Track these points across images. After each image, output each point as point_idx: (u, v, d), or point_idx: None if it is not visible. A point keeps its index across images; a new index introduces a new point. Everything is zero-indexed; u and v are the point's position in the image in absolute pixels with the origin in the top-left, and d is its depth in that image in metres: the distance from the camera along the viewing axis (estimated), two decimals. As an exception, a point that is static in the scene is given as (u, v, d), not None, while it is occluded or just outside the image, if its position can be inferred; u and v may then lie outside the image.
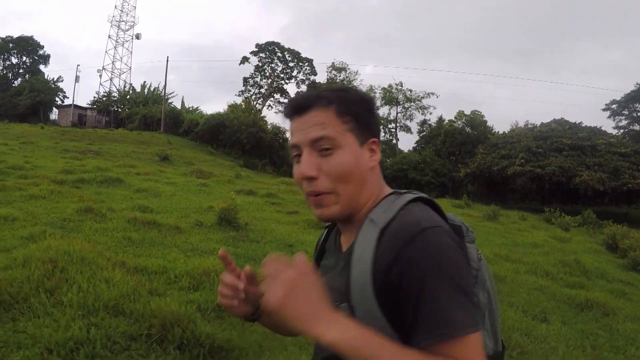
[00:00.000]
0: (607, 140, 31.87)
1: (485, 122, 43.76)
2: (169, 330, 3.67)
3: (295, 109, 1.08)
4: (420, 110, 59.17)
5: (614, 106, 50.43)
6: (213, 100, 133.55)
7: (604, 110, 51.11)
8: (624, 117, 50.80)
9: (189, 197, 11.74)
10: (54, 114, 51.94)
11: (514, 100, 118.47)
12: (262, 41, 60.74)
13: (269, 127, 41.42)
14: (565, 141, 31.75)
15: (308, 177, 1.03)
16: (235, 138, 38.87)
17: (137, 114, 45.63)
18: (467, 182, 38.41)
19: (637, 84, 46.93)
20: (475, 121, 42.90)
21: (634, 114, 49.86)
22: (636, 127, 49.55)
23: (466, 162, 38.48)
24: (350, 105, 1.06)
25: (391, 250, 0.93)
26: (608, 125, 56.15)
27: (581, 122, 37.76)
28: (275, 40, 61.31)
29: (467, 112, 58.71)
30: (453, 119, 58.85)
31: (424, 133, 57.07)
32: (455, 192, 40.20)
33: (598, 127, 36.95)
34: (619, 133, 45.53)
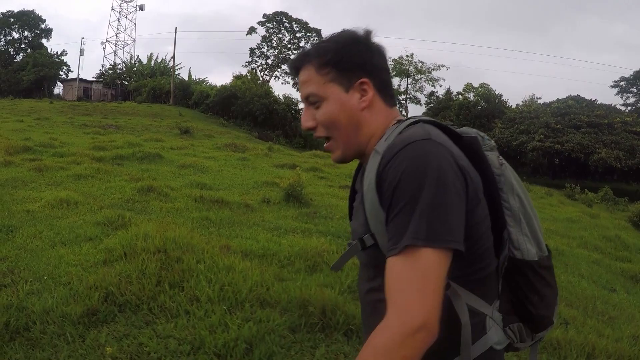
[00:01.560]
0: (623, 119, 32.14)
1: (500, 96, 43.09)
2: (330, 317, 3.35)
3: (292, 71, 1.20)
4: (430, 82, 58.35)
5: (622, 83, 50.57)
6: (216, 71, 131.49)
7: (612, 87, 51.37)
8: (631, 95, 50.91)
9: (237, 172, 11.24)
10: (59, 89, 50.94)
11: (516, 73, 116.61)
12: (262, 11, 59.38)
13: (280, 97, 40.55)
14: (583, 118, 32.06)
15: (306, 128, 1.17)
16: (248, 109, 38.11)
17: (145, 86, 44.67)
18: None
19: None
20: (489, 95, 42.15)
21: None
22: None
23: None
24: (330, 56, 1.12)
25: (383, 167, 0.99)
26: (616, 102, 55.91)
27: (596, 100, 38.29)
28: (280, 10, 59.69)
29: (475, 84, 58.48)
30: (461, 91, 58.78)
31: (432, 105, 56.46)
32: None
33: (612, 105, 36.89)
34: (627, 110, 45.44)
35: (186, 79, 47.39)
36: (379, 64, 1.16)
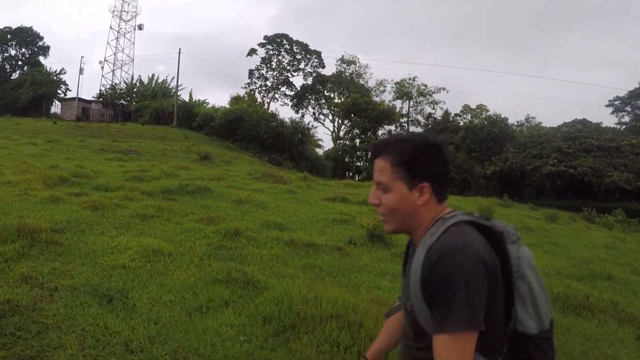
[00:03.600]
0: (630, 142, 32.50)
1: (506, 119, 43.20)
2: None
3: (372, 154, 1.49)
4: (431, 105, 58.48)
5: (617, 102, 51.48)
6: (210, 92, 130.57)
7: (607, 106, 52.23)
8: (626, 113, 51.78)
9: (297, 208, 10.47)
10: (56, 107, 49.59)
11: (505, 92, 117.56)
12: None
13: (287, 121, 39.88)
14: (593, 142, 32.43)
15: (372, 204, 1.47)
16: (255, 133, 37.35)
17: (148, 107, 43.67)
18: (495, 180, 38.33)
19: None
20: (495, 119, 42.28)
21: (637, 111, 50.71)
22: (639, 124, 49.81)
23: (491, 159, 38.29)
24: (405, 156, 1.39)
25: (428, 265, 1.30)
26: (610, 121, 56.84)
27: (601, 122, 39.42)
28: (274, 30, 59.47)
29: (472, 106, 58.89)
30: (459, 112, 59.04)
31: (429, 126, 56.50)
32: (478, 188, 39.93)
33: (618, 127, 37.33)
34: (622, 128, 46.24)
35: (187, 100, 46.45)
36: (441, 171, 1.42)
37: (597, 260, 9.24)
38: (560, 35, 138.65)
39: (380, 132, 43.76)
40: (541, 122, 50.44)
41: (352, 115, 42.46)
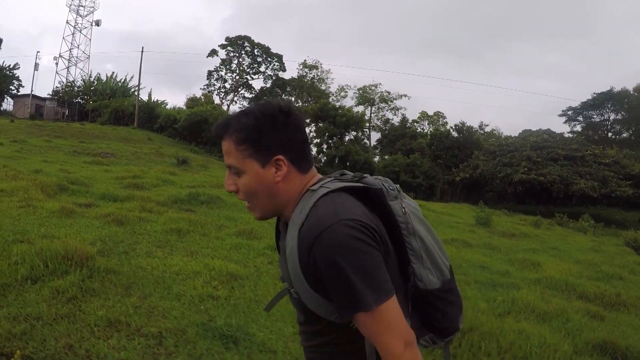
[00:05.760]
0: (593, 152, 34.17)
1: (471, 127, 44.24)
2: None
3: (215, 136, 1.28)
4: (392, 111, 59.03)
5: (569, 112, 53.97)
6: (169, 94, 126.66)
7: (560, 115, 54.71)
8: (577, 123, 54.60)
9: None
10: (8, 104, 46.21)
11: (457, 101, 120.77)
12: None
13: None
14: (560, 152, 33.86)
15: (230, 191, 1.30)
16: (220, 136, 36.12)
17: (107, 107, 41.41)
18: (459, 186, 39.20)
19: (593, 93, 51.00)
20: (462, 127, 43.22)
21: (589, 120, 53.83)
22: (590, 133, 52.74)
23: (458, 166, 39.08)
24: (248, 132, 1.22)
25: (305, 250, 1.15)
26: (563, 130, 59.78)
27: (563, 133, 42.24)
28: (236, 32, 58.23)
29: (430, 112, 60.16)
30: (417, 119, 59.98)
31: (386, 132, 57.02)
32: (442, 194, 40.63)
33: (571, 136, 39.42)
34: (573, 137, 48.30)
35: (146, 101, 44.47)
36: (295, 137, 1.25)
37: (598, 262, 9.89)
38: (509, 45, 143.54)
39: (347, 138, 43.44)
40: (495, 130, 52.59)
41: (319, 121, 41.89)
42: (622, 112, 50.58)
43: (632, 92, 49.46)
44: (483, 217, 15.85)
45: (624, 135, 52.53)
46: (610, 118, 52.54)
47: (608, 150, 35.65)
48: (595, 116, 53.24)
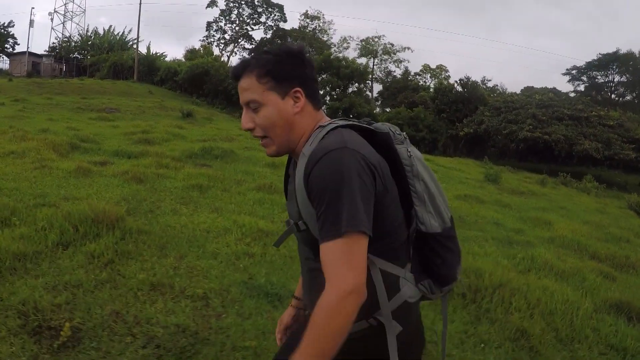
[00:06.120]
0: (598, 113, 33.64)
1: (475, 82, 43.31)
2: None
3: (233, 77, 1.34)
4: (395, 63, 57.90)
5: (574, 72, 52.95)
6: (167, 45, 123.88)
7: (564, 74, 54.03)
8: (581, 83, 53.76)
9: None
10: (4, 63, 45.13)
11: (456, 54, 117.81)
12: None
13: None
14: (565, 111, 33.35)
15: (247, 129, 1.33)
16: (222, 88, 35.53)
17: (106, 61, 40.48)
18: (462, 141, 38.92)
19: (599, 54, 49.96)
20: (466, 82, 42.36)
21: (593, 81, 52.83)
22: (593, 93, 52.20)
23: (461, 121, 38.64)
24: (269, 66, 1.28)
25: (308, 170, 1.18)
26: (566, 89, 59.04)
27: (568, 92, 40.07)
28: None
29: (432, 66, 59.02)
30: (419, 72, 58.89)
31: (388, 84, 56.13)
32: (445, 148, 40.31)
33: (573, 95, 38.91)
34: (576, 96, 47.89)
35: (145, 54, 43.45)
36: (310, 75, 1.34)
37: (605, 224, 10.02)
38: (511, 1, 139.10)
39: (349, 90, 42.74)
40: (498, 86, 51.94)
41: (323, 72, 41.01)
42: (627, 75, 49.76)
43: (637, 55, 48.33)
44: (492, 174, 15.69)
45: (627, 97, 52.02)
46: (615, 80, 51.58)
47: (612, 112, 35.00)
48: (599, 77, 52.22)
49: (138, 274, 3.69)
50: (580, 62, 53.54)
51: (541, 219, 9.20)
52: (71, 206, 4.86)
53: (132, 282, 3.54)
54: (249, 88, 1.28)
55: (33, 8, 56.56)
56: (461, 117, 39.49)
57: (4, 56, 44.97)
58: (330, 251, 1.12)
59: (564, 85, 75.23)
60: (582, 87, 53.55)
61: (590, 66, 50.93)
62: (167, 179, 7.32)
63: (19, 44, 46.02)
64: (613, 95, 52.01)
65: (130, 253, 4.10)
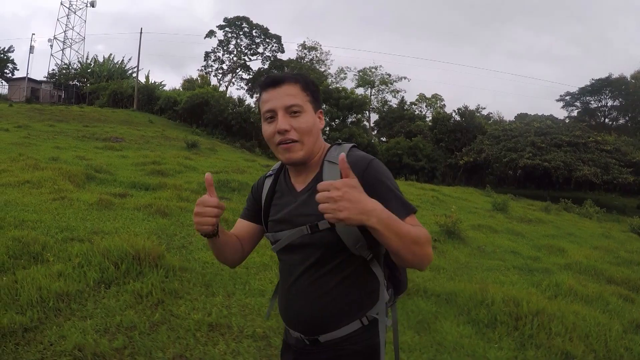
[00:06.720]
0: (595, 139, 34.26)
1: (473, 112, 43.97)
2: None
3: (272, 82, 1.45)
4: (392, 93, 58.54)
5: (567, 97, 53.84)
6: (165, 75, 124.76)
7: (557, 100, 54.43)
8: (575, 108, 54.44)
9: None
10: (3, 88, 45.10)
11: (448, 83, 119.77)
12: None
13: (254, 106, 38.36)
14: (564, 138, 33.89)
15: (283, 130, 1.40)
16: (222, 118, 35.63)
17: (105, 89, 40.59)
18: (460, 170, 39.31)
19: (591, 79, 50.52)
20: (465, 111, 42.97)
21: (586, 106, 53.50)
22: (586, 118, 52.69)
23: (461, 150, 39.06)
24: (309, 85, 1.48)
25: (360, 170, 1.34)
26: (560, 114, 59.78)
27: (565, 119, 42.44)
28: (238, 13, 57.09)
29: (428, 95, 59.76)
30: (414, 101, 59.56)
31: (384, 114, 56.61)
32: (444, 177, 40.57)
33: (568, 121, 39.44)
34: (571, 122, 48.36)
35: (144, 83, 43.64)
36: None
37: (614, 249, 10.13)
38: (502, 28, 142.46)
39: (349, 120, 43.14)
40: (492, 114, 52.62)
41: (323, 103, 41.37)
42: (620, 99, 50.37)
43: (629, 79, 49.19)
44: (500, 203, 15.76)
45: (621, 121, 52.52)
46: (608, 104, 52.37)
47: (607, 136, 35.61)
48: (592, 102, 53.00)
49: (192, 313, 3.60)
50: (572, 88, 54.23)
51: (554, 246, 9.42)
52: (105, 242, 4.76)
53: (188, 323, 3.45)
54: (294, 94, 1.42)
55: (34, 34, 57.05)
56: (460, 146, 40.06)
57: (3, 81, 44.97)
58: (414, 220, 1.35)
59: (558, 111, 76.60)
60: (575, 113, 54.38)
61: (584, 92, 51.74)
62: (191, 213, 7.23)
63: (18, 69, 46.09)
64: (607, 120, 52.64)
65: (177, 292, 4.01)
